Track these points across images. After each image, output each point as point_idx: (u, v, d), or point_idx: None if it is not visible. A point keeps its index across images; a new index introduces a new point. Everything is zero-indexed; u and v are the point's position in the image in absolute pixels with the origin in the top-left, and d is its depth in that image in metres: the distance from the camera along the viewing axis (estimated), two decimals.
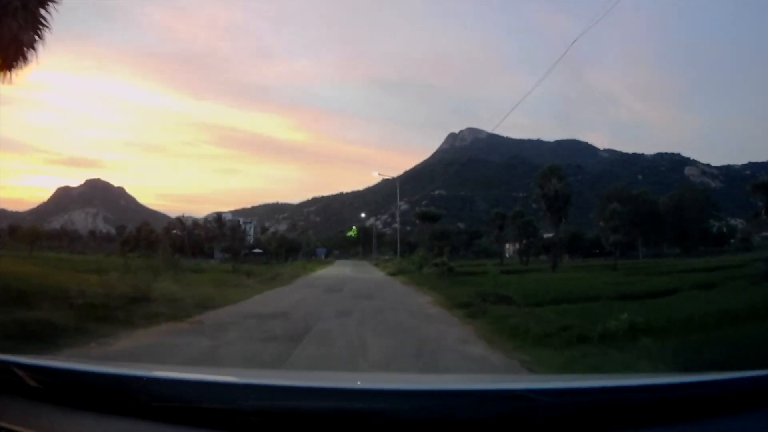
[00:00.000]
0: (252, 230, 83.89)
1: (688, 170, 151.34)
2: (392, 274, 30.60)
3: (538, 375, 5.38)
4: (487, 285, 15.91)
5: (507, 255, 64.68)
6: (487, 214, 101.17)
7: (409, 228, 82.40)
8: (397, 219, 42.84)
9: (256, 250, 62.69)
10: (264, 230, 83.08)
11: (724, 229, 75.21)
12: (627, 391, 1.64)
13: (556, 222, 36.48)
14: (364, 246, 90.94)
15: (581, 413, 1.42)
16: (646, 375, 3.60)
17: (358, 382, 2.08)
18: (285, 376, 2.65)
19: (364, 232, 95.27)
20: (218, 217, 64.02)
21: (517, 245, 63.71)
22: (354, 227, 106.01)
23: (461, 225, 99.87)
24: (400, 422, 1.37)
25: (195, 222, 67.49)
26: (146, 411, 1.42)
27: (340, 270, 40.41)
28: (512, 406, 1.40)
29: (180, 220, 58.10)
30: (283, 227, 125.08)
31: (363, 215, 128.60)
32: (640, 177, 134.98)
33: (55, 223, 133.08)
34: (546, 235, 60.35)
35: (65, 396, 1.51)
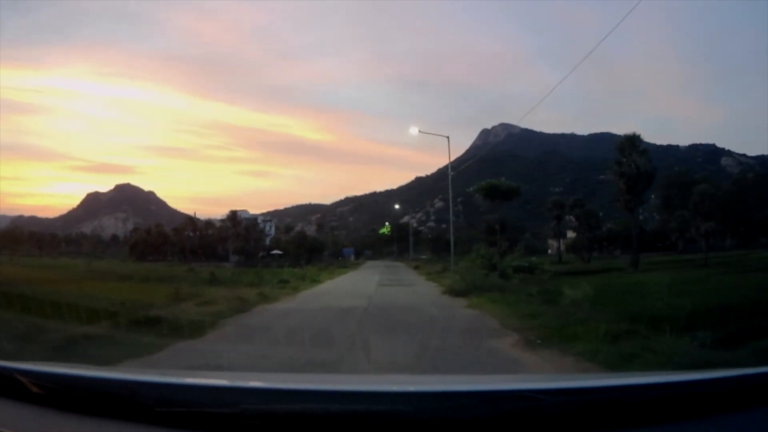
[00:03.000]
0: (272, 229, 76.79)
1: (724, 161, 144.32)
2: (456, 293, 15.65)
3: (542, 375, 5.20)
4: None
5: (549, 251, 59.12)
6: (523, 210, 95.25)
7: (444, 226, 76.44)
8: (449, 192, 35.27)
9: (275, 251, 56.59)
10: (289, 230, 76.25)
11: None
12: (630, 389, 1.63)
13: (634, 208, 29.39)
14: (399, 245, 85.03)
15: (585, 412, 1.43)
16: (649, 373, 3.59)
17: (362, 385, 2.01)
18: (288, 379, 2.52)
19: (399, 230, 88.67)
20: (232, 215, 56.44)
21: (562, 240, 57.68)
22: (387, 224, 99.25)
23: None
24: (405, 423, 1.37)
25: (208, 221, 61.42)
26: (149, 416, 1.42)
27: (362, 280, 26.62)
28: (516, 405, 1.41)
29: (191, 220, 52.42)
30: (315, 227, 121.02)
31: (396, 206, 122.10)
32: (675, 168, 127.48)
33: (85, 229, 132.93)
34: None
35: (68, 401, 1.51)
